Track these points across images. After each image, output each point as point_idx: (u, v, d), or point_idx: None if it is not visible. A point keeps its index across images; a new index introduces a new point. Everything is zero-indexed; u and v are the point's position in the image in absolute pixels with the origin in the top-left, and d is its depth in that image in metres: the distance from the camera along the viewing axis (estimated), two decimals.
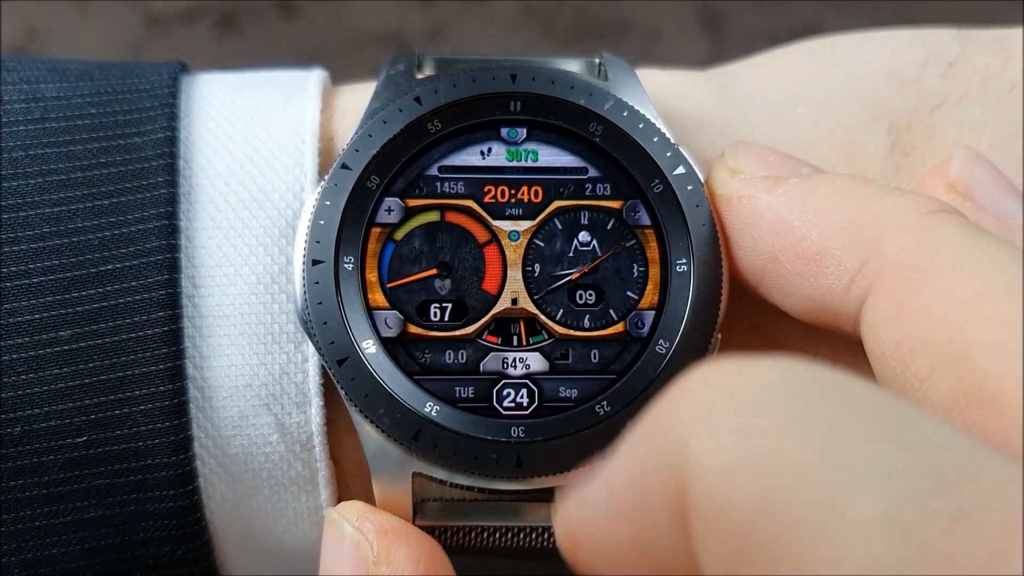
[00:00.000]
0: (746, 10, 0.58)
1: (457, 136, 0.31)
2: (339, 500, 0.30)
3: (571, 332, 0.30)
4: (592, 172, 0.31)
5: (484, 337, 0.30)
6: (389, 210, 0.30)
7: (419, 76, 0.32)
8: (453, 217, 0.30)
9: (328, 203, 0.30)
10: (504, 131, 0.31)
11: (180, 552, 0.30)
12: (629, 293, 0.30)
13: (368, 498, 0.29)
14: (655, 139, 0.30)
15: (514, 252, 0.30)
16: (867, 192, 0.27)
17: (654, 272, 0.30)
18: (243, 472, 0.30)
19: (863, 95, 0.33)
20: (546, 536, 0.30)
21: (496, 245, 0.30)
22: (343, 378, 0.28)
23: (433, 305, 0.30)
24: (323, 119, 0.32)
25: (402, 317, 0.30)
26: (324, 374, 0.30)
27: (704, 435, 0.19)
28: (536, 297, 0.30)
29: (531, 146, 0.31)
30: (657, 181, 0.30)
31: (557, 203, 0.31)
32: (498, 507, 0.30)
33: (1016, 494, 0.17)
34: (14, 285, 0.29)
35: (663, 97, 0.32)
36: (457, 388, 0.29)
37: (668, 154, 0.30)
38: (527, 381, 0.30)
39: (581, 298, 0.30)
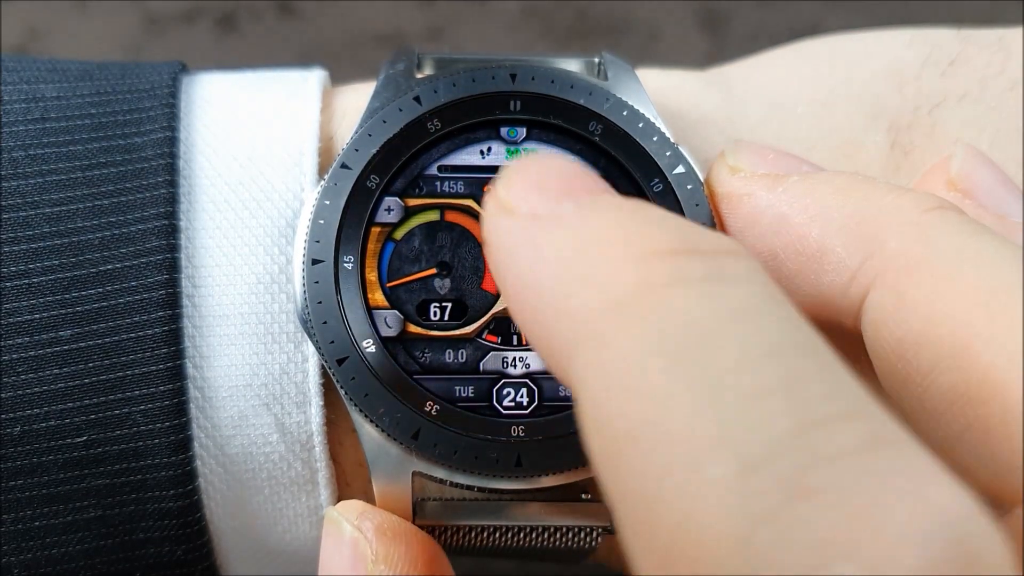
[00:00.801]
0: (746, 10, 0.58)
1: (457, 135, 0.31)
2: (339, 500, 0.30)
3: None
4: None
5: (484, 336, 0.30)
6: (389, 209, 0.30)
7: (419, 75, 0.32)
8: (453, 216, 0.30)
9: (328, 202, 0.30)
10: (504, 130, 0.31)
11: (180, 552, 0.30)
12: None
13: (368, 498, 0.29)
14: (655, 138, 0.30)
15: None
16: (867, 189, 0.27)
17: None
18: (243, 472, 0.30)
19: (863, 94, 0.33)
20: (546, 535, 0.30)
21: None
22: (343, 377, 0.28)
23: (433, 304, 0.30)
24: (323, 119, 0.32)
25: (402, 316, 0.30)
26: (324, 374, 0.30)
27: (605, 345, 0.19)
28: None
29: (531, 145, 0.31)
30: (657, 180, 0.30)
31: None
32: (498, 506, 0.30)
33: (870, 475, 0.17)
34: (14, 285, 0.29)
35: (663, 97, 0.32)
36: (457, 387, 0.29)
37: (668, 153, 0.30)
38: (527, 380, 0.30)
39: None
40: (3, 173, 0.30)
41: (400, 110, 0.30)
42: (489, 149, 0.31)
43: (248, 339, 0.30)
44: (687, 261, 0.20)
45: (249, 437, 0.30)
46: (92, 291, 0.29)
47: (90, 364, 0.29)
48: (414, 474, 0.29)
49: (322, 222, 0.29)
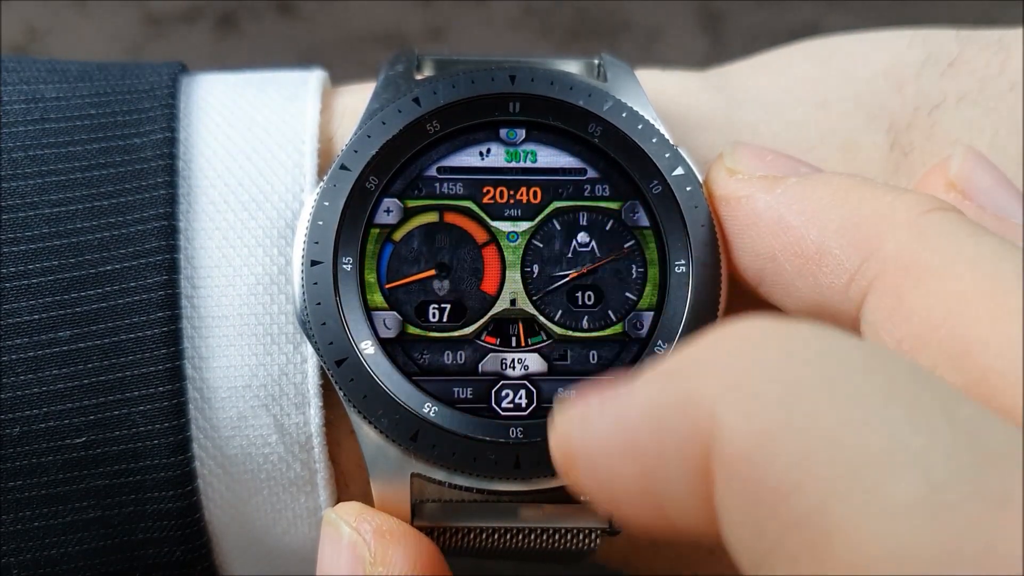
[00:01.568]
0: (746, 10, 0.58)
1: (456, 137, 0.31)
2: (338, 501, 0.30)
3: (570, 333, 0.30)
4: (591, 173, 0.31)
5: (483, 338, 0.30)
6: (388, 211, 0.30)
7: (418, 77, 0.32)
8: (452, 218, 0.30)
9: (327, 204, 0.30)
10: (503, 132, 0.31)
11: (179, 553, 0.30)
12: (628, 294, 0.30)
13: (367, 499, 0.29)
14: (654, 140, 0.30)
15: (513, 253, 0.30)
16: (866, 191, 0.27)
17: (653, 273, 0.30)
18: (242, 473, 0.30)
19: (862, 95, 0.33)
20: (544, 537, 0.30)
21: (495, 246, 0.30)
22: (342, 379, 0.28)
23: (432, 306, 0.30)
24: (322, 120, 0.32)
25: (401, 318, 0.30)
26: (323, 375, 0.30)
27: (737, 398, 0.18)
28: (535, 298, 0.30)
29: (530, 147, 0.31)
30: (656, 182, 0.30)
31: (556, 204, 0.31)
32: (497, 508, 0.30)
33: None
34: (13, 286, 0.29)
35: (662, 98, 0.32)
36: (456, 389, 0.29)
37: (667, 155, 0.30)
38: (526, 382, 0.30)
39: (580, 299, 0.30)
40: (2, 174, 0.30)
41: (399, 111, 0.30)
42: (488, 151, 0.31)
43: (247, 340, 0.30)
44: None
45: (248, 438, 0.30)
46: (91, 292, 0.29)
47: (89, 365, 0.29)
48: (413, 476, 0.29)
49: (321, 223, 0.29)
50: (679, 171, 0.30)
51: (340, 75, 0.36)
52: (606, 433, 0.20)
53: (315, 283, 0.29)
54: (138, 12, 0.56)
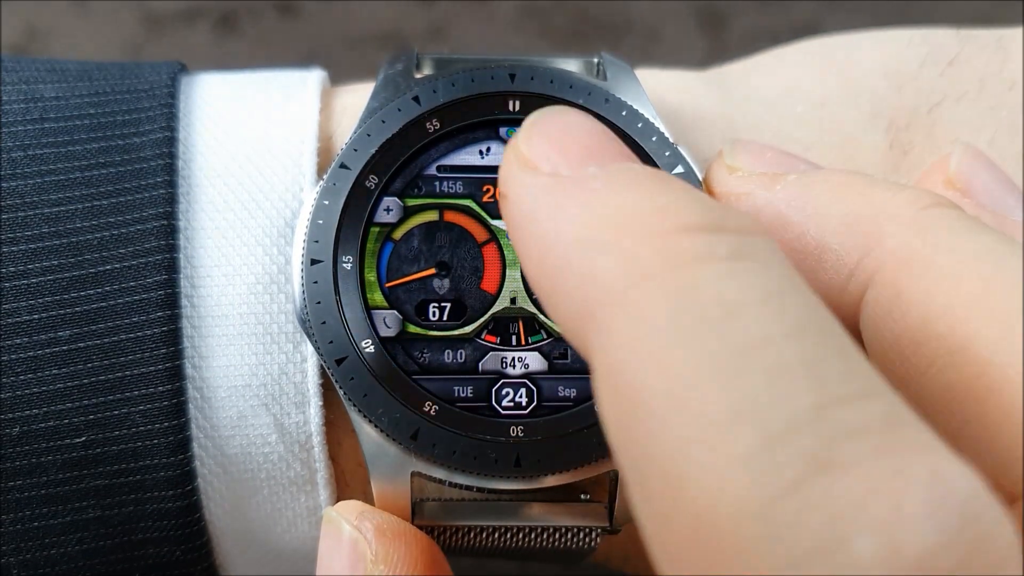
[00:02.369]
0: (746, 10, 0.58)
1: (456, 135, 0.31)
2: (338, 500, 0.30)
3: None
4: None
5: (483, 336, 0.30)
6: (388, 209, 0.30)
7: (418, 76, 0.32)
8: (452, 216, 0.30)
9: (327, 202, 0.30)
10: (503, 130, 0.31)
11: (179, 552, 0.30)
12: None
13: (367, 498, 0.29)
14: (654, 138, 0.30)
15: (513, 252, 0.30)
16: (865, 187, 0.27)
17: None
18: (242, 472, 0.30)
19: (862, 94, 0.33)
20: (544, 536, 0.30)
21: (495, 244, 0.30)
22: (342, 378, 0.28)
23: (432, 304, 0.30)
24: (322, 119, 0.32)
25: (401, 316, 0.30)
26: (323, 374, 0.30)
27: (624, 319, 0.19)
28: (535, 297, 0.30)
29: None
30: None
31: None
32: (497, 507, 0.30)
33: (888, 452, 0.17)
34: (13, 285, 0.29)
35: (662, 97, 0.32)
36: (456, 387, 0.29)
37: (667, 153, 0.30)
38: (526, 380, 0.30)
39: None
40: (2, 174, 0.30)
41: (399, 110, 0.30)
42: (488, 149, 0.31)
43: (247, 339, 0.30)
44: (714, 238, 0.20)
45: (248, 437, 0.30)
46: (91, 291, 0.29)
47: (89, 364, 0.29)
48: (413, 474, 0.29)
49: (321, 222, 0.29)
50: (679, 169, 0.30)
51: (340, 75, 0.36)
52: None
53: (315, 282, 0.29)
54: (138, 12, 0.56)
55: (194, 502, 0.29)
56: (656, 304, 0.19)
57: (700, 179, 0.30)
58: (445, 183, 0.30)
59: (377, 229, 0.30)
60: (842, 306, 0.26)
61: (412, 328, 0.30)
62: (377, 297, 0.30)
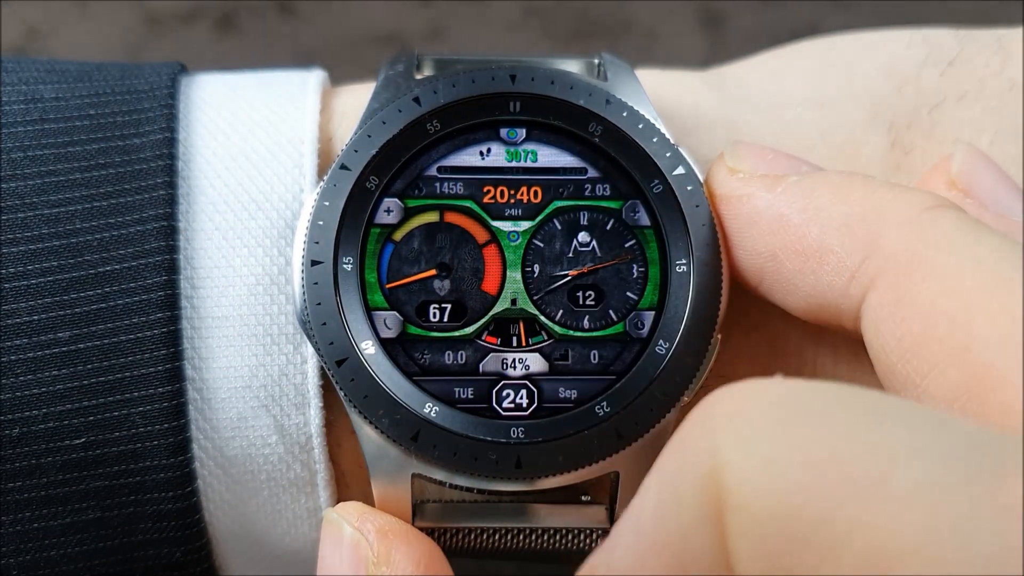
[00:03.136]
0: (746, 10, 0.58)
1: (456, 136, 0.31)
2: (338, 501, 0.30)
3: (571, 333, 0.30)
4: (591, 172, 0.31)
5: (483, 338, 0.30)
6: (388, 210, 0.30)
7: (418, 76, 0.32)
8: (452, 217, 0.30)
9: (327, 204, 0.29)
10: (503, 131, 0.31)
11: (179, 554, 0.30)
12: (629, 294, 0.30)
13: (367, 499, 0.29)
14: (654, 139, 0.30)
15: (513, 252, 0.30)
16: (866, 188, 0.27)
17: (654, 272, 0.30)
18: (242, 474, 0.30)
19: (862, 94, 0.33)
20: (545, 537, 0.30)
21: (496, 245, 0.30)
22: (342, 379, 0.28)
23: (432, 306, 0.30)
24: (322, 120, 0.32)
25: (401, 318, 0.30)
26: (323, 375, 0.30)
27: (736, 437, 0.19)
28: (536, 298, 0.30)
29: (530, 146, 0.31)
30: (656, 181, 0.30)
31: (556, 203, 0.30)
32: (498, 508, 0.30)
33: None
34: (13, 286, 0.29)
35: (662, 97, 0.32)
36: (456, 389, 0.29)
37: (667, 154, 0.30)
38: (527, 382, 0.29)
39: (581, 299, 0.30)
40: (2, 174, 0.30)
41: (399, 111, 0.30)
42: (489, 150, 0.31)
43: (247, 341, 0.30)
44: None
45: (248, 439, 0.30)
46: (91, 292, 0.29)
47: (89, 366, 0.29)
48: (413, 476, 0.29)
49: (321, 223, 0.29)
50: (680, 170, 0.30)
51: (340, 75, 0.36)
52: (626, 543, 0.21)
53: (315, 283, 0.29)
54: (138, 12, 0.56)
55: (194, 503, 0.29)
56: None
57: (701, 180, 0.30)
58: (445, 184, 0.30)
59: (378, 230, 0.30)
60: (844, 308, 0.26)
61: (413, 329, 0.30)
62: (377, 298, 0.30)
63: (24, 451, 0.28)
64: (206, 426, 0.29)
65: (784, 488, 0.18)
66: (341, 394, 0.29)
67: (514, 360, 0.30)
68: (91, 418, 0.29)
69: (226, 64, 0.36)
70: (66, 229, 0.29)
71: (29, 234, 0.29)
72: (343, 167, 0.30)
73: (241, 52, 0.56)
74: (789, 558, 0.18)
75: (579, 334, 0.30)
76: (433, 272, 0.30)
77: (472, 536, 0.30)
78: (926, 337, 0.23)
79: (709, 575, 0.19)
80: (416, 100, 0.30)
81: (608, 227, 0.30)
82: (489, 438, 0.28)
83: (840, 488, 0.18)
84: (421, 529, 0.29)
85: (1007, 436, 0.18)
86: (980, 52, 0.33)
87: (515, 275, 0.30)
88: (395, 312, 0.30)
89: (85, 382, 0.29)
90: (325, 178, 0.30)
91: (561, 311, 0.30)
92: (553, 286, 0.30)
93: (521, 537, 0.30)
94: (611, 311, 0.30)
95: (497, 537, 0.30)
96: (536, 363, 0.30)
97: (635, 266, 0.30)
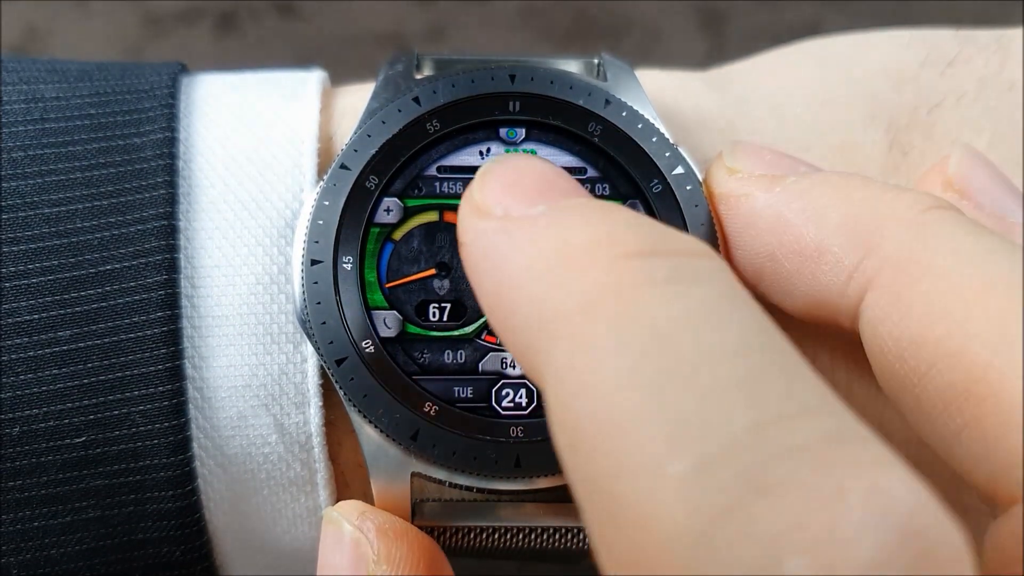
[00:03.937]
0: (746, 10, 0.58)
1: (456, 136, 0.31)
2: (338, 500, 0.30)
3: None
4: (591, 172, 0.31)
5: (483, 337, 0.30)
6: (388, 210, 0.30)
7: (418, 76, 0.32)
8: (452, 217, 0.30)
9: (327, 203, 0.30)
10: (503, 131, 0.31)
11: (179, 553, 0.30)
12: None
13: (367, 498, 0.29)
14: (654, 139, 0.30)
15: None
16: (865, 189, 0.27)
17: None
18: (242, 472, 0.30)
19: (862, 95, 0.33)
20: (545, 536, 0.30)
21: None
22: (342, 378, 0.28)
23: (432, 305, 0.30)
24: (322, 119, 0.32)
25: (401, 317, 0.30)
26: (323, 374, 0.30)
27: (567, 348, 0.20)
28: None
29: (530, 146, 0.31)
30: (656, 181, 0.30)
31: None
32: (497, 507, 0.30)
33: (826, 469, 0.17)
34: (13, 285, 0.29)
35: (662, 97, 0.32)
36: (456, 388, 0.29)
37: (667, 154, 0.30)
38: (526, 381, 0.30)
39: None
40: (2, 174, 0.30)
41: (399, 111, 0.30)
42: (488, 150, 0.31)
43: (247, 340, 0.30)
44: (653, 262, 0.20)
45: (248, 438, 0.30)
46: (91, 291, 0.29)
47: (89, 365, 0.29)
48: (413, 475, 0.29)
49: (321, 223, 0.29)
50: (679, 170, 0.30)
51: (340, 75, 0.36)
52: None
53: (315, 282, 0.29)
54: (138, 12, 0.56)
55: (194, 502, 0.29)
56: (596, 331, 0.19)
57: (700, 180, 0.30)
58: (445, 184, 0.30)
59: (377, 230, 0.30)
60: (841, 308, 0.26)
61: (412, 328, 0.30)
62: (377, 297, 0.30)
63: (24, 450, 0.29)
64: (206, 425, 0.30)
65: (584, 421, 0.19)
66: (341, 393, 0.29)
67: (513, 359, 0.30)
68: (91, 417, 0.29)
69: (226, 64, 0.36)
70: (67, 228, 0.29)
71: (30, 233, 0.29)
72: (343, 167, 0.30)
73: (241, 52, 0.56)
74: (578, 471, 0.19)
75: None
76: (433, 271, 0.30)
77: (472, 535, 0.30)
78: (924, 337, 0.24)
79: None
80: (416, 100, 0.31)
81: None
82: (488, 437, 0.28)
83: (624, 452, 0.18)
84: (420, 528, 0.29)
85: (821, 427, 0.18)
86: (980, 52, 0.33)
87: None
88: (395, 311, 0.30)
89: (85, 381, 0.29)
90: (325, 177, 0.30)
91: None
92: None
93: (521, 536, 0.30)
94: None
95: (496, 536, 0.30)
96: None
97: None
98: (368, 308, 0.29)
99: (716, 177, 0.30)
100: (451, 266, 0.30)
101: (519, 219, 0.22)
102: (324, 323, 0.29)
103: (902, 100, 0.33)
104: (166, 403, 0.29)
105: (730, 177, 0.29)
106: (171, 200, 0.30)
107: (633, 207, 0.31)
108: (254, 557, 0.32)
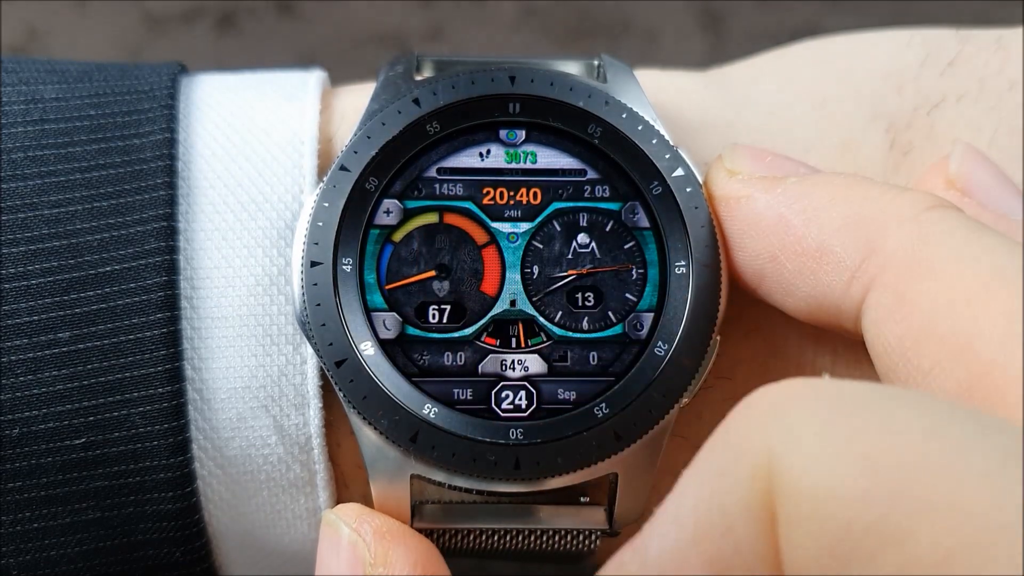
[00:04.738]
0: (746, 10, 0.58)
1: (456, 138, 0.31)
2: (337, 502, 0.30)
3: (570, 334, 0.30)
4: (591, 174, 0.31)
5: (483, 339, 0.30)
6: (388, 212, 0.30)
7: (418, 78, 0.32)
8: (452, 219, 0.30)
9: (327, 205, 0.30)
10: (503, 133, 0.31)
11: (179, 554, 0.30)
12: (628, 295, 0.30)
13: (366, 500, 0.29)
14: (654, 141, 0.30)
15: (513, 254, 0.30)
16: (866, 189, 0.27)
17: (653, 274, 0.30)
18: (242, 474, 0.30)
19: (862, 95, 0.33)
20: (544, 538, 0.30)
21: (495, 247, 0.30)
22: (341, 380, 0.28)
23: (432, 307, 0.30)
24: (322, 120, 0.32)
25: (400, 319, 0.30)
26: (323, 376, 0.30)
27: (790, 432, 0.19)
28: (535, 299, 0.30)
29: (530, 148, 0.31)
30: (656, 183, 0.30)
31: (556, 205, 0.31)
32: (497, 509, 0.30)
33: None
34: (13, 287, 0.29)
35: (662, 98, 0.32)
36: (456, 390, 0.29)
37: (667, 156, 0.30)
38: (526, 383, 0.29)
39: (580, 300, 0.30)
40: (2, 175, 0.30)
41: (399, 112, 0.30)
42: (488, 151, 0.31)
43: (247, 341, 0.30)
44: None
45: (248, 439, 0.30)
46: (91, 293, 0.29)
47: (89, 366, 0.29)
48: (413, 477, 0.29)
49: (321, 224, 0.29)
50: (679, 172, 0.30)
51: (340, 75, 0.36)
52: (664, 541, 0.20)
53: (315, 284, 0.29)
54: (138, 12, 0.56)
55: (194, 503, 0.29)
56: None
57: (700, 182, 0.30)
58: (445, 185, 0.30)
59: (377, 231, 0.30)
60: (844, 308, 0.26)
61: (412, 330, 0.30)
62: (377, 299, 0.30)
63: (24, 451, 0.29)
64: (206, 426, 0.29)
65: (845, 479, 0.18)
66: (340, 395, 0.29)
67: (513, 361, 0.30)
68: (91, 418, 0.29)
69: (226, 64, 0.36)
70: (66, 229, 0.29)
71: (29, 234, 0.29)
72: (343, 168, 0.30)
73: (241, 52, 0.56)
74: (848, 548, 0.17)
75: (578, 335, 0.30)
76: (432, 273, 0.30)
77: (471, 537, 0.30)
78: (927, 336, 0.24)
79: (754, 573, 0.19)
80: (416, 101, 0.30)
81: (607, 229, 0.30)
82: (488, 439, 0.28)
83: (903, 479, 0.17)
84: (420, 530, 0.29)
85: None
86: (980, 52, 0.33)
87: (514, 276, 0.30)
88: (394, 313, 0.30)
89: (85, 382, 0.29)
90: (325, 179, 0.30)
91: (560, 312, 0.30)
92: (552, 287, 0.30)
93: (520, 538, 0.30)
94: (610, 312, 0.30)
95: (496, 538, 0.30)
96: (535, 364, 0.30)
97: (634, 268, 0.30)
98: (368, 310, 0.29)
99: (716, 179, 0.30)
100: (451, 268, 0.30)
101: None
102: (324, 325, 0.29)
103: (902, 100, 0.33)
104: (166, 404, 0.29)
105: (730, 179, 0.29)
106: (171, 201, 0.30)
107: (633, 209, 0.31)
108: (254, 558, 0.32)
